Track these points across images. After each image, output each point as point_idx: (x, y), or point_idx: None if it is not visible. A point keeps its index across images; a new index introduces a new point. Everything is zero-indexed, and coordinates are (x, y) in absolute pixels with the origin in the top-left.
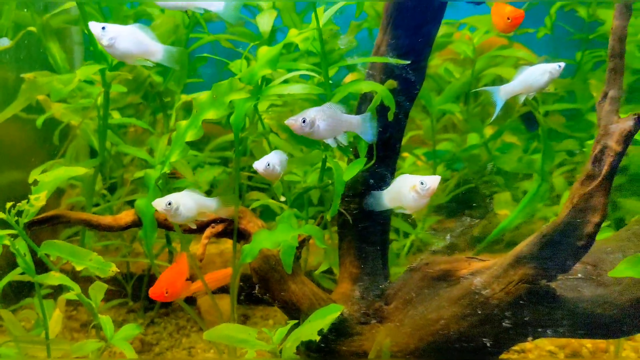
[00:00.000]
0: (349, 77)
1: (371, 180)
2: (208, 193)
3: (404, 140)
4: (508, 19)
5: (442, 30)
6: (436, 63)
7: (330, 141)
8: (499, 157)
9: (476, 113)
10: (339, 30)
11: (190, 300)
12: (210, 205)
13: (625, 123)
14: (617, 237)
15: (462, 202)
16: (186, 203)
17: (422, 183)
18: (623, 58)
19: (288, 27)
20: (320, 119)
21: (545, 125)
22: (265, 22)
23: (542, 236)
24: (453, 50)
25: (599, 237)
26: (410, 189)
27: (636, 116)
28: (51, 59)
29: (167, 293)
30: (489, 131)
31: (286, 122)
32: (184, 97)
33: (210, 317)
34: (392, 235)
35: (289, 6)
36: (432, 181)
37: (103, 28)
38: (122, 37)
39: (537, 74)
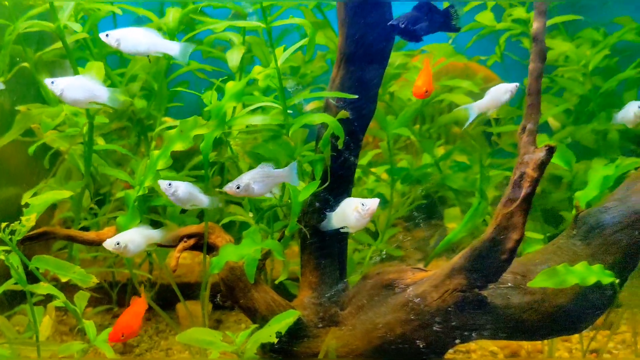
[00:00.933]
0: (310, 105)
1: (329, 198)
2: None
3: (371, 158)
4: (426, 91)
5: (400, 59)
6: (395, 88)
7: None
8: (449, 176)
9: (432, 133)
10: (289, 73)
11: (170, 306)
12: (155, 237)
13: (539, 153)
14: (545, 250)
15: (421, 215)
16: (134, 240)
17: (362, 204)
18: (539, 95)
19: (259, 58)
20: (253, 181)
21: (480, 149)
22: (234, 58)
23: (472, 250)
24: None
25: (530, 249)
26: (353, 209)
27: (547, 148)
28: (43, 91)
29: (123, 336)
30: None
31: (224, 188)
32: (167, 120)
33: (186, 322)
34: (357, 246)
35: (258, 41)
36: (372, 203)
37: (52, 82)
38: (69, 88)
39: (500, 92)
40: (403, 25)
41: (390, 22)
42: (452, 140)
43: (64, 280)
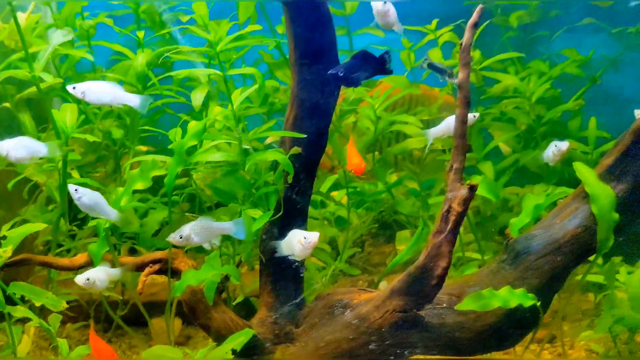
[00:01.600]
0: (270, 138)
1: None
2: (157, 232)
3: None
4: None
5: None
6: (353, 119)
7: (205, 245)
8: (399, 201)
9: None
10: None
11: (145, 322)
12: (116, 274)
13: (463, 190)
14: (479, 273)
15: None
16: (100, 277)
17: (305, 238)
18: (464, 138)
19: (225, 93)
20: (193, 233)
21: (420, 180)
22: (197, 97)
23: (408, 275)
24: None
25: (466, 272)
26: (297, 242)
27: (470, 186)
28: (23, 129)
29: None
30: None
31: (167, 239)
32: (142, 148)
33: (158, 337)
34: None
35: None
36: (313, 237)
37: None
38: (14, 148)
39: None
40: (341, 74)
41: (329, 72)
42: (402, 167)
43: (37, 304)
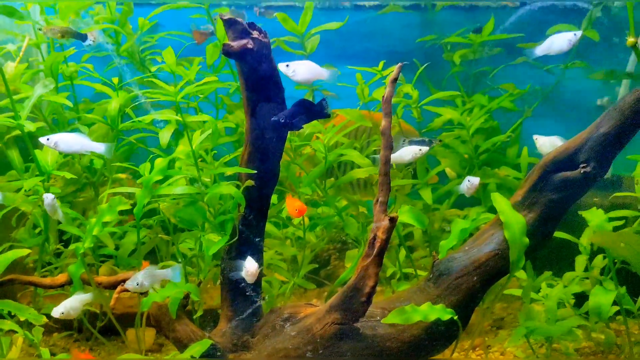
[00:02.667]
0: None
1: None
2: (133, 252)
3: None
4: (296, 209)
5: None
6: (309, 150)
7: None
8: (347, 224)
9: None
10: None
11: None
12: (89, 299)
13: (386, 221)
14: (410, 290)
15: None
16: (74, 306)
17: (245, 267)
18: (388, 176)
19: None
20: (144, 279)
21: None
22: (165, 136)
23: (343, 293)
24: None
25: (400, 288)
26: (244, 269)
27: (390, 218)
28: (12, 164)
29: None
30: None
31: (125, 285)
32: (122, 176)
33: (131, 346)
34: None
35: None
36: (250, 266)
37: None
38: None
39: (407, 152)
40: (283, 121)
41: (272, 119)
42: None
43: (22, 319)
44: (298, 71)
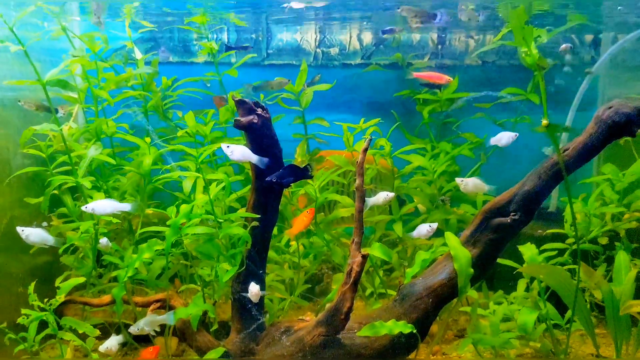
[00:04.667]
0: None
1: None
2: (160, 275)
3: None
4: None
5: None
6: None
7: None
8: (333, 252)
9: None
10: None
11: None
12: (118, 341)
13: (359, 257)
14: (381, 309)
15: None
16: (113, 345)
17: (252, 289)
18: (362, 221)
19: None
20: (144, 325)
21: (339, 240)
22: (187, 185)
23: (327, 311)
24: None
25: (374, 307)
26: (250, 291)
27: (363, 255)
28: (66, 207)
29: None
30: None
31: (129, 330)
32: (149, 212)
33: (161, 351)
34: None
35: (207, 169)
36: (255, 289)
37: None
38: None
39: (380, 197)
40: (275, 180)
41: (267, 179)
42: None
43: (80, 332)
44: (234, 152)
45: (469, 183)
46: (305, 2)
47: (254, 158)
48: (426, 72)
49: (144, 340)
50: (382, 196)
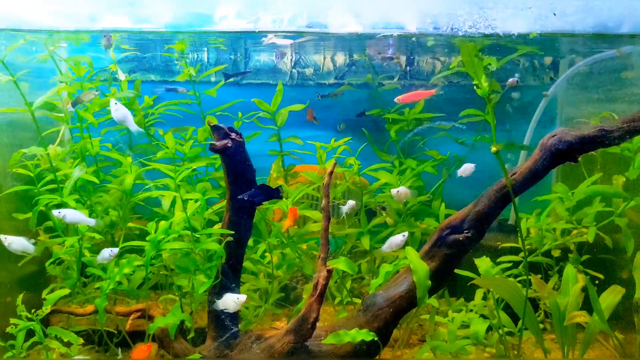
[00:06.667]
0: None
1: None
2: (141, 285)
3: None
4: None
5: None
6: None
7: None
8: (305, 264)
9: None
10: None
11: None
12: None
13: (324, 272)
14: (346, 318)
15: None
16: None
17: (237, 298)
18: (327, 239)
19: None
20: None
21: (308, 257)
22: (165, 203)
23: (296, 320)
24: (305, 178)
25: (340, 316)
26: (231, 300)
27: (327, 270)
28: (54, 225)
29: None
30: None
31: None
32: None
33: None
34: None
35: (185, 186)
36: (242, 298)
37: None
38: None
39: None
40: (246, 198)
41: (238, 197)
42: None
43: (65, 340)
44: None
45: (401, 191)
46: (282, 37)
47: (133, 127)
48: (408, 95)
49: (125, 345)
50: (351, 204)
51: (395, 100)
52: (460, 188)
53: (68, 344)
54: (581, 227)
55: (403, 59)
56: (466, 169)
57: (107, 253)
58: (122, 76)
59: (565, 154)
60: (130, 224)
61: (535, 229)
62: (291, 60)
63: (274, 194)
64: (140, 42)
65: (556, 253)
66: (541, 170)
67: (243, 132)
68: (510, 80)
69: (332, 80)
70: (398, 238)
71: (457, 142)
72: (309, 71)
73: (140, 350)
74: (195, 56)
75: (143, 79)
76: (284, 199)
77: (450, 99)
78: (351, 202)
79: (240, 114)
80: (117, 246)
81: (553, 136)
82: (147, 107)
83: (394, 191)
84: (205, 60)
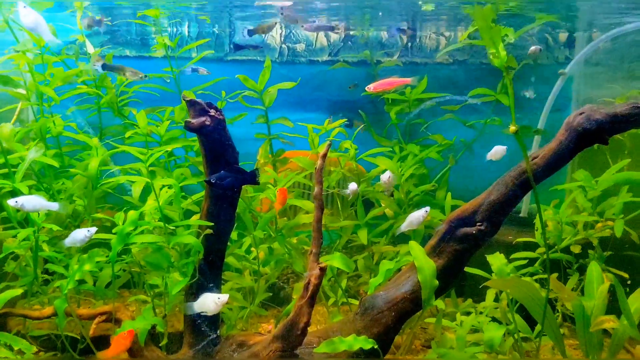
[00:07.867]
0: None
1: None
2: (109, 284)
3: None
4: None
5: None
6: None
7: None
8: (295, 261)
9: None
10: None
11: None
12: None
13: (317, 269)
14: (341, 322)
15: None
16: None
17: (218, 298)
18: (320, 231)
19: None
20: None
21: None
22: (136, 190)
23: (284, 325)
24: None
25: (334, 320)
26: (211, 301)
27: (321, 267)
28: (9, 215)
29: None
30: None
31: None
32: (100, 214)
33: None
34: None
35: (159, 171)
36: (224, 297)
37: None
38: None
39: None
40: (214, 181)
41: (206, 179)
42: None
43: (15, 348)
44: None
45: (388, 175)
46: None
47: (48, 37)
48: (381, 82)
49: (90, 352)
50: (353, 188)
51: (367, 89)
52: (467, 177)
53: (20, 352)
54: (606, 220)
55: (408, 32)
56: (497, 151)
57: (82, 234)
58: (90, 49)
59: (593, 135)
60: (96, 215)
61: (554, 222)
62: (280, 34)
63: (248, 177)
64: (113, 12)
65: (576, 249)
66: (566, 153)
67: (227, 114)
68: (533, 47)
69: (325, 57)
70: (419, 213)
71: (466, 125)
72: (300, 47)
73: (120, 337)
74: (175, 30)
75: (117, 54)
76: (270, 187)
77: (456, 79)
78: (353, 186)
79: (224, 93)
80: None
81: (580, 114)
82: (119, 84)
83: (384, 176)
84: (186, 34)
